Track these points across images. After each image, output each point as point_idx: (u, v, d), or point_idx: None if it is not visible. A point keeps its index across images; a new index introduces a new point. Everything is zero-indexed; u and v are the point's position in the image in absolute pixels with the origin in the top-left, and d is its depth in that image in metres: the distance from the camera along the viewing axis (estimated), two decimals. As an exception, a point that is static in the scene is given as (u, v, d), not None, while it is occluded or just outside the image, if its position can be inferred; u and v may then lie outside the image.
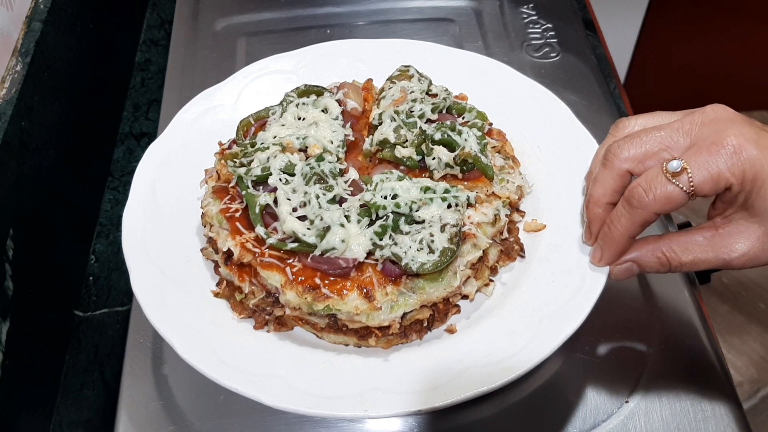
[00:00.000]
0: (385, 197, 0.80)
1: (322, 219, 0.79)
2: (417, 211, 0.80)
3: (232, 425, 0.82)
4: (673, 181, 0.67)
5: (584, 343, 0.87)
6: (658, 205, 0.69)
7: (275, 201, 0.81)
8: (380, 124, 0.91)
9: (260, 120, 0.96)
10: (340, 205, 0.81)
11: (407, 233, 0.79)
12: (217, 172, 0.90)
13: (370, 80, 1.02)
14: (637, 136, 0.72)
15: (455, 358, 0.77)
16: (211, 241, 0.85)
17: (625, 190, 0.73)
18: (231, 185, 0.87)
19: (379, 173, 0.84)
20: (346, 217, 0.79)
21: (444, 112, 0.94)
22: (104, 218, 1.18)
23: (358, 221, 0.79)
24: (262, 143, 0.88)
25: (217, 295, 0.84)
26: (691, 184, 0.67)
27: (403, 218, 0.80)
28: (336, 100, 0.95)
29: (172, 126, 0.98)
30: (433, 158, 0.87)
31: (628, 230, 0.73)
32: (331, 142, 0.89)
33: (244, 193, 0.84)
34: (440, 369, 0.76)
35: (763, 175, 0.66)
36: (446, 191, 0.82)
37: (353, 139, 0.93)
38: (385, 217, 0.79)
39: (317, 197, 0.80)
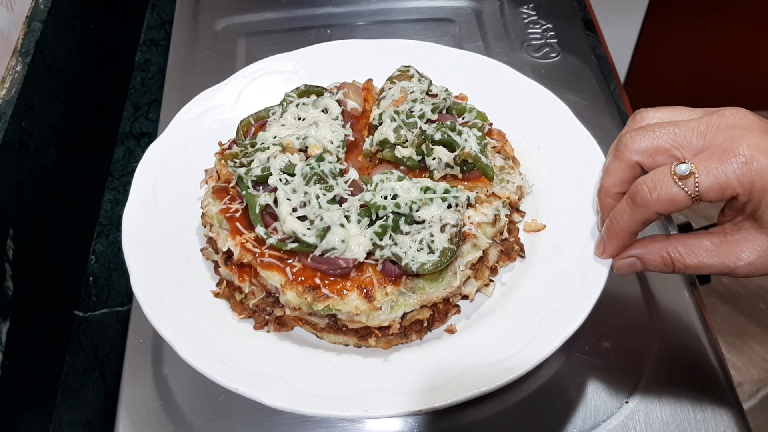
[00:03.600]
0: (385, 197, 0.80)
1: (322, 219, 0.79)
2: (417, 211, 0.80)
3: (232, 425, 0.82)
4: (680, 184, 0.67)
5: (584, 343, 0.87)
6: (661, 205, 0.69)
7: (275, 201, 0.81)
8: (380, 124, 0.91)
9: (260, 120, 0.96)
10: (340, 205, 0.81)
11: (407, 233, 0.79)
12: (217, 172, 0.90)
13: (370, 80, 1.02)
14: (650, 129, 0.72)
15: (455, 358, 0.77)
16: (211, 241, 0.85)
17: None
18: (231, 185, 0.86)
19: (379, 173, 0.84)
20: (346, 217, 0.79)
21: (444, 112, 0.94)
22: (104, 218, 1.18)
23: (358, 221, 0.79)
24: (262, 143, 0.88)
25: (217, 295, 0.84)
26: (697, 189, 0.66)
27: (403, 218, 0.80)
28: (336, 100, 0.95)
29: (172, 126, 0.98)
30: (433, 158, 0.87)
31: (630, 226, 0.73)
32: (331, 142, 0.89)
33: (244, 193, 0.84)
34: (440, 369, 0.76)
35: None
36: (446, 191, 0.81)
37: (353, 139, 0.93)
38: (385, 217, 0.79)
39: (317, 197, 0.80)
